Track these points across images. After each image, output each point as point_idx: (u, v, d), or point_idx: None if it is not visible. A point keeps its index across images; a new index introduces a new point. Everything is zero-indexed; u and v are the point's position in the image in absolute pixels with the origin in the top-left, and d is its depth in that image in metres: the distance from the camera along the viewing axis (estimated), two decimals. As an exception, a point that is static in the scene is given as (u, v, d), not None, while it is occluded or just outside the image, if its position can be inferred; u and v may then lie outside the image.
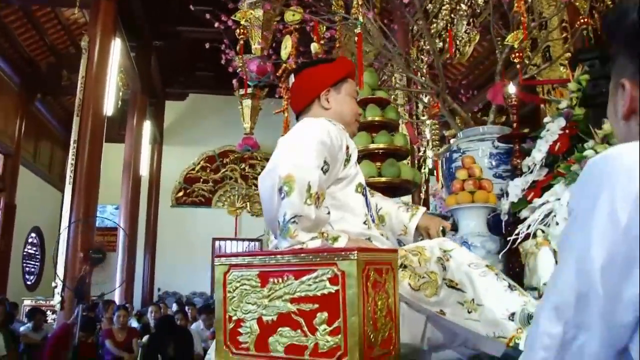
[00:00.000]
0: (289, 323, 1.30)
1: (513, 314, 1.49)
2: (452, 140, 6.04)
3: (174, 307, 7.98)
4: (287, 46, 4.29)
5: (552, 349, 0.76)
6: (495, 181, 3.63)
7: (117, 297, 8.30)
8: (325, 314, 1.24)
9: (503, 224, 3.46)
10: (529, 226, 2.69)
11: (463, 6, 5.84)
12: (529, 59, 4.53)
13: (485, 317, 1.48)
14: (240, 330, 1.38)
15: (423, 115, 6.51)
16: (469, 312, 1.51)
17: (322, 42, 4.06)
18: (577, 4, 4.12)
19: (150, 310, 5.88)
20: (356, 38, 4.74)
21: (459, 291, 1.54)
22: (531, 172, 3.49)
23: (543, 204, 2.74)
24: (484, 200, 3.53)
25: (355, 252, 1.23)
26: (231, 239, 11.88)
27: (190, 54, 10.30)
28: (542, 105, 4.79)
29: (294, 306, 1.29)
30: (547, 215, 2.67)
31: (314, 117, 1.73)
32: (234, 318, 1.39)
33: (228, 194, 12.00)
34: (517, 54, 3.99)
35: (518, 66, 4.35)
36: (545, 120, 3.56)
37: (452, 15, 6.03)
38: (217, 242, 11.94)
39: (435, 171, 6.26)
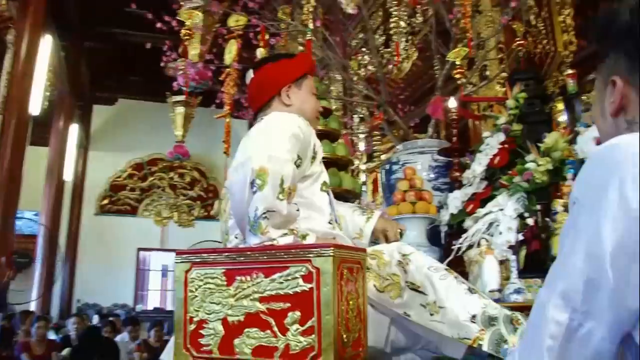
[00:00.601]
0: (258, 323, 1.24)
1: (474, 316, 1.49)
2: (382, 156, 6.16)
3: (95, 319, 7.61)
4: (232, 51, 4.22)
5: (559, 337, 0.75)
6: (434, 193, 3.71)
7: (33, 308, 7.83)
8: (297, 313, 1.19)
9: (442, 234, 3.54)
10: (473, 235, 2.75)
11: (402, 23, 5.97)
12: (466, 77, 4.68)
13: (448, 319, 1.48)
14: (202, 332, 1.30)
15: (358, 129, 6.60)
16: (431, 315, 1.50)
17: (267, 48, 4.02)
18: (514, 26, 4.30)
19: (73, 321, 5.55)
20: (300, 47, 4.76)
21: (421, 294, 1.53)
22: (471, 184, 3.58)
23: (486, 214, 2.81)
24: (425, 211, 3.60)
25: (332, 248, 1.19)
26: (157, 250, 11.50)
27: (122, 58, 9.95)
28: (476, 122, 4.94)
29: (264, 305, 1.23)
30: (490, 225, 2.74)
31: (275, 112, 1.68)
32: (196, 319, 1.32)
33: (155, 203, 11.62)
34: (458, 70, 4.11)
35: (459, 82, 4.49)
36: (485, 135, 3.67)
37: (391, 32, 6.16)
38: (142, 253, 11.51)
39: (366, 184, 6.34)
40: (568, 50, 4.25)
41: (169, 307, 10.93)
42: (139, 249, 11.46)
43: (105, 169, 11.44)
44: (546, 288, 0.82)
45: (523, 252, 2.53)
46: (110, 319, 6.32)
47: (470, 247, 2.72)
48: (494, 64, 4.60)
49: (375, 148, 6.41)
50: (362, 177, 6.70)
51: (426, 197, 3.62)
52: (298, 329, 1.19)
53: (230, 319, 1.27)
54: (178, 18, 4.40)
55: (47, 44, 6.64)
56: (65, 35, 7.79)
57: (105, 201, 11.38)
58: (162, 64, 8.33)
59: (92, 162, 11.24)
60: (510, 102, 3.61)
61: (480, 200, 3.35)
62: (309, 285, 1.19)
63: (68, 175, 9.69)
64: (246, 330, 1.24)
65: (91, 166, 11.23)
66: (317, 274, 1.18)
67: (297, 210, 1.43)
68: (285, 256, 1.23)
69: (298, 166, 1.45)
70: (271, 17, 4.55)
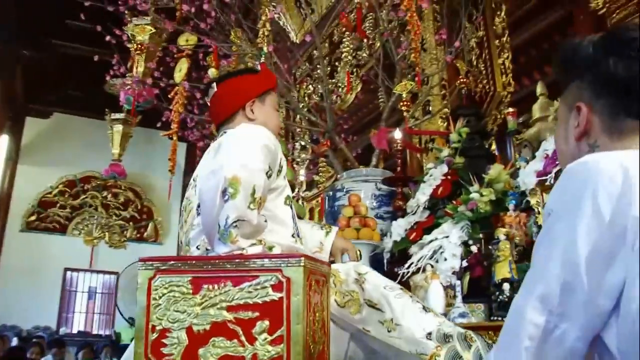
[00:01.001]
0: (224, 332, 1.23)
1: (430, 333, 1.54)
2: (320, 186, 6.24)
3: (14, 342, 7.19)
4: (182, 69, 4.22)
5: (536, 338, 0.81)
6: (377, 221, 3.80)
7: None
8: (266, 323, 1.20)
9: (385, 261, 3.62)
10: (419, 261, 2.84)
11: (344, 56, 6.12)
12: (410, 110, 4.85)
13: (405, 335, 1.52)
14: (164, 341, 1.28)
15: (299, 156, 6.67)
16: (389, 331, 1.54)
17: (218, 69, 4.03)
18: (458, 65, 4.52)
19: (-8, 343, 5.24)
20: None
21: (378, 311, 1.57)
22: (414, 213, 3.70)
23: (432, 240, 2.91)
24: (369, 237, 3.67)
25: (302, 258, 1.21)
26: (85, 270, 11.03)
27: (60, 71, 9.63)
28: (417, 154, 5.09)
29: (231, 314, 1.23)
30: (435, 252, 2.83)
31: (244, 124, 1.70)
32: (158, 328, 1.29)
33: (86, 222, 11.17)
34: (404, 102, 4.26)
35: (404, 114, 4.64)
36: (428, 166, 3.81)
37: (336, 64, 6.31)
38: (69, 273, 11.00)
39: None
40: (506, 90, 4.49)
41: (95, 331, 10.48)
42: (66, 269, 10.95)
43: (34, 184, 10.93)
44: (523, 293, 0.87)
45: (467, 278, 2.62)
46: (35, 340, 5.98)
47: (416, 272, 2.80)
48: (437, 99, 4.79)
49: (315, 177, 6.48)
50: (301, 204, 6.75)
51: (370, 224, 3.70)
52: (266, 338, 1.19)
53: (195, 327, 1.25)
54: (127, 32, 4.35)
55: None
56: (1, 42, 7.48)
57: (33, 217, 10.84)
58: (106, 79, 8.16)
59: (20, 177, 10.71)
60: (453, 136, 3.78)
61: (423, 228, 3.47)
62: (279, 295, 1.20)
63: (-6, 188, 9.23)
64: (212, 339, 1.23)
65: (19, 180, 10.70)
66: (288, 283, 1.20)
67: (265, 221, 1.44)
68: (255, 265, 1.23)
69: (269, 177, 1.46)
70: (222, 39, 4.58)
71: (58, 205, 11.14)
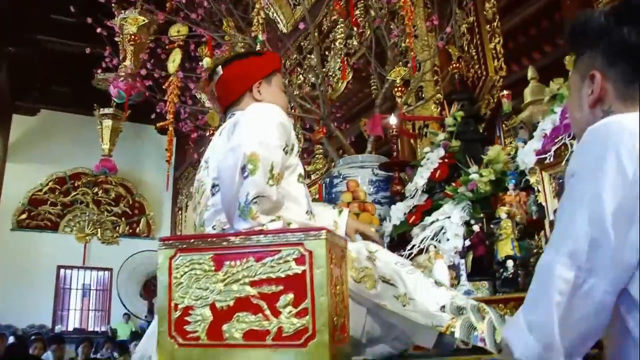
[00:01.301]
0: (248, 307, 1.25)
1: (443, 307, 1.57)
2: (312, 175, 6.26)
3: (11, 339, 7.14)
4: (176, 59, 4.20)
5: (566, 293, 0.84)
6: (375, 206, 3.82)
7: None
8: (290, 296, 1.22)
9: (385, 245, 3.65)
10: (422, 242, 2.87)
11: (337, 44, 6.12)
12: (401, 97, 4.87)
13: (420, 309, 1.55)
14: (188, 318, 1.29)
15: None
16: (403, 306, 1.56)
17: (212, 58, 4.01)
18: (450, 50, 4.55)
19: (-10, 340, 5.20)
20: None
21: (392, 286, 1.59)
22: (412, 197, 3.73)
23: (433, 222, 2.94)
24: (369, 222, 3.70)
25: (324, 231, 1.23)
26: (79, 267, 10.98)
27: (47, 67, 9.53)
28: (411, 140, 5.12)
29: (255, 289, 1.25)
30: (437, 233, 2.86)
31: (257, 103, 1.71)
32: (181, 306, 1.30)
33: (78, 219, 11.11)
34: (399, 88, 4.29)
35: (398, 100, 4.66)
36: (425, 150, 3.84)
37: (326, 53, 6.31)
38: (62, 270, 10.95)
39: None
40: (499, 74, 4.52)
41: (90, 328, 10.45)
42: (59, 267, 10.90)
43: (24, 182, 10.85)
44: (550, 252, 0.90)
45: (470, 257, 2.66)
46: (35, 337, 5.95)
47: (418, 253, 2.83)
48: (429, 85, 4.82)
49: (306, 167, 6.50)
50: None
51: (369, 208, 3.73)
52: (291, 311, 1.21)
53: (218, 304, 1.27)
54: (117, 24, 4.32)
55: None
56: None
57: (24, 216, 10.76)
58: (95, 74, 8.08)
59: (9, 175, 10.62)
60: (448, 120, 3.81)
61: (422, 212, 3.51)
62: (302, 268, 1.22)
63: (-17, 187, 9.14)
64: (236, 314, 1.25)
65: (8, 179, 10.60)
66: (310, 256, 1.21)
67: (282, 197, 1.46)
68: (277, 240, 1.25)
69: (286, 154, 1.48)
70: (214, 29, 4.56)
71: (49, 202, 11.08)
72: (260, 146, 1.38)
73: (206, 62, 3.98)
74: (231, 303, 1.26)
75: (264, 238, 1.27)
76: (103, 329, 10.87)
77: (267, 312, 1.23)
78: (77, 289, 11.13)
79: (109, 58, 4.81)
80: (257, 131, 1.42)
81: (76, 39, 9.33)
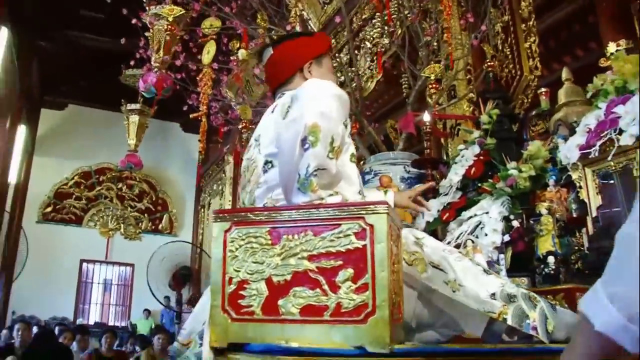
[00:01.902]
0: (306, 282, 1.22)
1: (494, 294, 1.53)
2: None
3: (35, 330, 7.22)
4: (210, 51, 4.22)
5: None
6: (408, 203, 3.79)
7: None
8: (350, 271, 1.19)
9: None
10: (459, 237, 2.83)
11: (367, 44, 6.10)
12: (435, 94, 4.84)
13: (471, 295, 1.51)
14: (243, 292, 1.27)
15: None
16: (453, 291, 1.53)
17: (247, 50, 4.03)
18: (485, 48, 4.50)
19: (17, 328, 5.25)
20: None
21: (441, 271, 1.56)
22: (446, 194, 3.69)
23: (471, 217, 2.90)
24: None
25: (386, 206, 1.21)
26: (101, 262, 11.08)
27: (76, 62, 9.65)
28: (442, 139, 5.09)
29: (313, 264, 1.22)
30: (475, 228, 2.82)
31: (297, 88, 1.69)
32: (235, 279, 1.28)
33: (101, 214, 11.23)
34: (433, 85, 4.25)
35: (432, 97, 4.63)
36: (460, 147, 3.81)
37: (355, 52, 6.29)
38: (85, 264, 11.06)
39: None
40: (533, 74, 4.47)
41: (111, 322, 10.53)
42: (82, 261, 11.01)
43: (50, 176, 11.00)
44: (631, 222, 0.87)
45: (509, 253, 2.61)
46: (60, 327, 6.00)
47: (456, 247, 2.79)
48: (462, 84, 4.78)
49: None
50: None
51: (402, 204, 3.70)
52: (350, 286, 1.18)
53: (275, 278, 1.24)
54: (157, 12, 4.34)
55: (2, 37, 6.37)
56: (19, 32, 7.49)
57: (49, 209, 10.91)
58: (125, 69, 8.14)
59: (36, 168, 10.77)
60: (484, 118, 3.76)
61: (456, 209, 3.47)
62: (363, 242, 1.19)
63: (12, 179, 9.24)
64: (293, 289, 1.22)
65: (35, 172, 10.75)
66: (371, 231, 1.19)
67: (339, 172, 1.43)
68: (337, 214, 1.23)
69: (345, 127, 1.46)
70: (247, 23, 4.58)
71: (74, 196, 11.21)
72: (322, 117, 1.36)
73: (241, 53, 4.01)
74: (288, 277, 1.24)
75: (323, 211, 1.24)
76: (123, 323, 10.95)
77: (326, 287, 1.20)
78: (98, 283, 11.23)
79: (143, 49, 4.83)
80: (319, 103, 1.40)
81: (105, 35, 9.44)
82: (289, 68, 1.75)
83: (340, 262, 1.20)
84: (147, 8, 5.52)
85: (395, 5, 5.25)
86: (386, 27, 5.38)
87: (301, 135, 1.34)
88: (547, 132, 4.47)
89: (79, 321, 10.45)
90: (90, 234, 11.10)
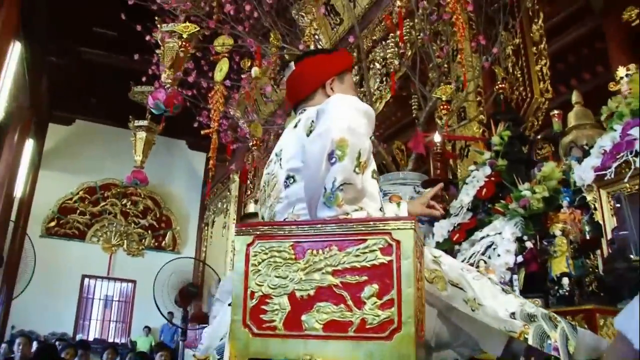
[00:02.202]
0: (330, 297, 1.21)
1: (513, 313, 1.52)
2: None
3: (34, 346, 7.17)
4: (223, 68, 4.25)
5: None
6: (418, 224, 3.78)
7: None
8: (375, 286, 1.18)
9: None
10: (471, 257, 2.81)
11: (377, 64, 6.14)
12: (440, 118, 4.85)
13: (490, 314, 1.50)
14: (265, 307, 1.26)
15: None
16: (473, 310, 1.51)
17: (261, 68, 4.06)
18: (496, 70, 4.52)
19: (18, 342, 5.21)
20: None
21: (461, 290, 1.55)
22: (456, 215, 3.68)
23: (483, 237, 2.89)
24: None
25: (413, 221, 1.20)
26: (103, 278, 11.03)
27: (86, 78, 9.74)
28: (451, 160, 5.09)
29: (337, 279, 1.21)
30: (487, 248, 2.81)
31: (318, 104, 1.70)
32: (258, 294, 1.27)
33: (105, 229, 11.21)
34: (444, 106, 4.27)
35: (439, 120, 4.64)
36: (471, 168, 3.80)
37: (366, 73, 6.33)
38: (86, 280, 11.01)
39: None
40: (544, 97, 4.48)
41: (110, 339, 10.45)
42: (84, 276, 10.97)
43: (55, 190, 11.01)
44: None
45: (522, 274, 2.59)
46: (63, 343, 5.95)
47: (468, 268, 2.78)
48: (472, 105, 4.79)
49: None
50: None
51: (412, 225, 3.69)
52: (376, 302, 1.17)
53: (298, 293, 1.23)
54: (172, 29, 4.37)
55: (15, 52, 6.43)
56: (31, 47, 7.57)
57: (53, 223, 10.89)
58: (131, 87, 8.20)
59: (42, 182, 10.76)
60: (495, 139, 3.77)
61: (466, 230, 3.45)
62: (389, 258, 1.18)
63: (17, 192, 9.25)
64: (317, 304, 1.21)
65: (41, 186, 10.74)
66: (398, 246, 1.18)
67: (364, 187, 1.42)
68: (363, 229, 1.22)
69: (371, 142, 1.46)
70: (260, 41, 4.62)
71: (78, 211, 11.20)
72: (349, 132, 1.36)
73: (255, 71, 4.04)
74: (312, 292, 1.22)
75: (349, 226, 1.23)
76: (123, 340, 10.86)
77: (350, 302, 1.19)
78: (99, 299, 11.17)
79: (155, 66, 4.87)
80: (346, 118, 1.40)
81: (115, 52, 9.52)
82: (311, 84, 1.76)
83: (365, 278, 1.19)
84: (159, 25, 5.59)
85: (407, 27, 5.30)
86: (397, 48, 5.42)
87: (328, 150, 1.34)
88: (554, 155, 4.47)
89: (79, 337, 10.37)
90: (92, 249, 11.07)
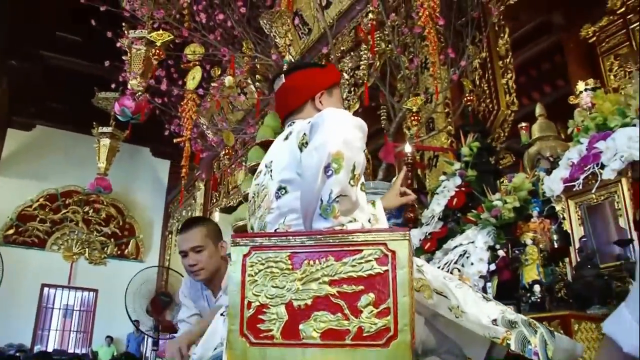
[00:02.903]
0: (327, 307, 1.24)
1: (495, 320, 1.58)
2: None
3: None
4: (196, 77, 4.24)
5: None
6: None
7: None
8: (371, 296, 1.22)
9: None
10: (445, 265, 2.88)
11: (345, 75, 6.21)
12: (409, 129, 4.95)
13: (473, 322, 1.55)
14: (262, 317, 1.28)
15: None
16: (456, 317, 1.56)
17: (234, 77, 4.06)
18: (465, 83, 4.65)
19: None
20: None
21: (445, 298, 1.60)
22: (428, 224, 3.76)
23: (457, 246, 2.97)
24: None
25: (407, 232, 1.24)
26: (63, 287, 10.75)
27: (47, 83, 9.52)
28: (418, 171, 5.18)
29: (334, 289, 1.24)
30: (461, 257, 2.88)
31: (307, 117, 1.73)
32: (255, 304, 1.29)
33: (66, 237, 10.93)
34: (414, 117, 4.36)
35: (407, 131, 4.74)
36: (442, 178, 3.90)
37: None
38: (46, 289, 10.71)
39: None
40: (510, 109, 4.63)
41: (71, 349, 10.19)
42: (44, 285, 10.67)
43: (14, 197, 10.68)
44: None
45: (495, 281, 2.68)
46: (23, 355, 5.77)
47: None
48: (440, 117, 4.90)
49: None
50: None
51: (382, 233, 3.74)
52: (372, 311, 1.20)
53: (296, 303, 1.26)
54: (145, 35, 4.35)
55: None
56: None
57: (11, 231, 10.56)
58: (95, 93, 8.06)
59: (0, 189, 10.48)
60: (464, 150, 3.88)
61: (437, 239, 3.54)
62: (384, 268, 1.22)
63: (-27, 199, 8.99)
64: (314, 314, 1.24)
65: (-2, 192, 10.47)
66: (393, 256, 1.22)
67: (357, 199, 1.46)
68: (359, 239, 1.26)
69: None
70: (232, 50, 4.63)
71: (38, 219, 10.90)
72: (344, 145, 1.39)
73: (228, 80, 4.04)
74: (309, 302, 1.25)
75: (345, 237, 1.27)
76: (84, 351, 10.60)
77: (347, 311, 1.22)
78: (59, 309, 10.87)
79: (124, 73, 4.82)
80: (342, 131, 1.43)
81: (79, 57, 9.36)
82: (301, 97, 1.79)
83: (361, 287, 1.23)
84: (126, 32, 5.54)
85: (378, 38, 5.39)
86: (369, 57, 5.51)
87: (324, 162, 1.37)
88: (514, 165, 4.61)
89: (37, 348, 10.08)
90: (53, 257, 10.78)
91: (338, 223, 1.34)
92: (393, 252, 1.23)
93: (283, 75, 1.84)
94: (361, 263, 1.24)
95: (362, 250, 1.25)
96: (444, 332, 1.60)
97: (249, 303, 1.30)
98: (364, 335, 1.20)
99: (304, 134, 1.55)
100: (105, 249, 11.23)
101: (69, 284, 10.72)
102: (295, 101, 1.79)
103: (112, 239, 11.36)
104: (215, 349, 1.48)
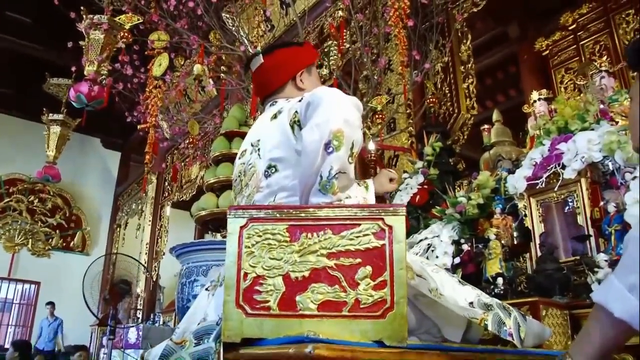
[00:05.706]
0: (325, 279, 1.26)
1: (471, 303, 1.65)
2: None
3: None
4: (162, 64, 4.18)
5: None
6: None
7: None
8: (368, 268, 1.25)
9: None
10: (411, 258, 2.96)
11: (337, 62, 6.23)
12: (369, 128, 5.05)
13: (452, 304, 1.62)
14: (259, 288, 1.29)
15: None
16: (436, 299, 1.62)
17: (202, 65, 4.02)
18: (427, 84, 4.77)
19: None
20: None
21: (424, 280, 1.66)
22: (390, 219, 3.84)
23: (422, 240, 3.05)
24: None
25: (404, 208, 1.29)
26: (3, 279, 10.30)
27: (-5, 66, 9.14)
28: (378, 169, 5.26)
29: (332, 261, 1.27)
30: (426, 250, 2.97)
31: (289, 96, 1.75)
32: (251, 275, 1.30)
33: (8, 227, 10.47)
34: (379, 116, 4.44)
35: (373, 129, 4.82)
36: (404, 176, 3.99)
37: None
38: (-16, 281, 10.26)
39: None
40: (470, 113, 4.78)
41: (7, 344, 9.79)
42: (-19, 276, 10.22)
43: (-47, 184, 10.22)
44: (635, 227, 1.01)
45: (459, 274, 2.77)
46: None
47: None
48: (402, 117, 5.01)
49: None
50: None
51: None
52: (369, 283, 1.24)
53: (293, 274, 1.28)
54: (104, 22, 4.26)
55: None
56: None
57: (-51, 219, 10.10)
58: (49, 77, 7.81)
59: (-62, 175, 9.99)
60: (427, 150, 3.99)
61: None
62: (382, 242, 1.26)
63: None
64: (311, 285, 1.26)
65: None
66: (390, 231, 1.26)
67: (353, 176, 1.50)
68: (357, 214, 1.29)
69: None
70: (200, 39, 4.59)
71: (-22, 207, 10.43)
72: (345, 123, 1.42)
73: (196, 68, 4.00)
74: (307, 274, 1.27)
75: (344, 211, 1.30)
76: (21, 346, 10.17)
77: (344, 283, 1.25)
78: (-1, 302, 10.44)
79: (80, 58, 4.71)
80: (342, 110, 1.46)
81: (30, 40, 9.03)
82: (282, 76, 1.80)
83: (359, 260, 1.26)
84: (85, 16, 5.40)
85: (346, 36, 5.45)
86: (331, 57, 5.56)
87: (325, 140, 1.40)
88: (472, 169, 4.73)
89: (-28, 343, 9.65)
90: (-7, 248, 10.35)
91: (337, 199, 1.38)
92: (390, 227, 1.27)
93: (261, 55, 1.83)
94: (359, 237, 1.28)
95: (360, 225, 1.28)
96: (425, 312, 1.65)
97: (245, 274, 1.31)
98: (361, 306, 1.23)
99: (296, 111, 1.57)
100: (50, 240, 10.83)
101: (9, 276, 10.29)
102: (276, 81, 1.80)
103: (57, 231, 10.98)
104: (199, 323, 1.47)
